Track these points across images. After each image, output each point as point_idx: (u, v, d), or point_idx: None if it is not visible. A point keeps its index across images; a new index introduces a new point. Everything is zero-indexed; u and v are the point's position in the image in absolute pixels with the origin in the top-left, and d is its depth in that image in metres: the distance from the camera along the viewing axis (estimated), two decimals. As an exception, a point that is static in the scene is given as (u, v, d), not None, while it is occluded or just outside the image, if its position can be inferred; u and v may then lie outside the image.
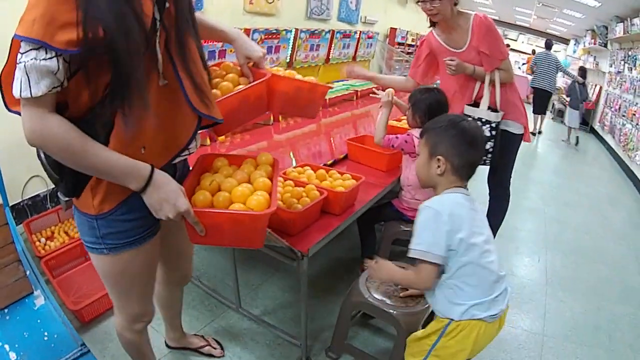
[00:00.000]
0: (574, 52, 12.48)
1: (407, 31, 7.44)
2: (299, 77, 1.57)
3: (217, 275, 2.63)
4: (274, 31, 3.96)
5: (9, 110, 1.01)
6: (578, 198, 4.97)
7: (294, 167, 2.19)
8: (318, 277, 2.69)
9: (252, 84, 1.40)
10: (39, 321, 1.74)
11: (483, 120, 2.43)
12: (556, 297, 2.80)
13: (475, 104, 2.48)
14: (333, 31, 4.91)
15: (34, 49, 0.86)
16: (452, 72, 2.40)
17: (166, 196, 1.09)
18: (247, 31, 3.63)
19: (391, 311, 1.76)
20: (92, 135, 0.99)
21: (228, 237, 1.22)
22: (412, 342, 1.59)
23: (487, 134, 2.43)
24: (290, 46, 4.33)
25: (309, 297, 1.88)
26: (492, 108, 2.44)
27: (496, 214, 2.87)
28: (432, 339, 1.47)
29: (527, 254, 3.37)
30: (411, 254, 1.38)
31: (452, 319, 1.41)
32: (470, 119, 1.55)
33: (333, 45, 5.01)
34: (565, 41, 13.62)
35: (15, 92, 0.89)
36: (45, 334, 1.69)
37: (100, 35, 0.88)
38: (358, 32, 5.46)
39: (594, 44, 9.22)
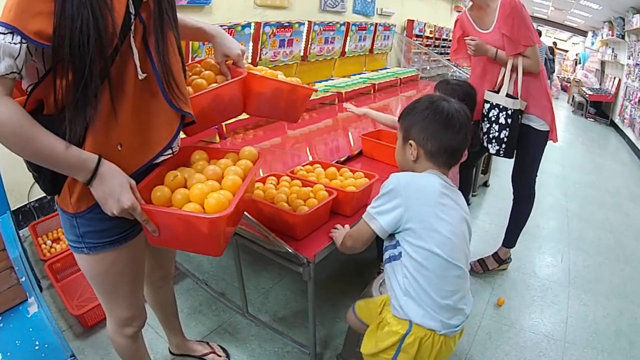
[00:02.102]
0: (592, 44, 12.18)
1: (425, 23, 7.30)
2: (282, 77, 1.49)
3: (226, 278, 2.55)
4: (286, 24, 3.88)
5: None
6: (599, 194, 4.81)
7: (303, 165, 2.10)
8: (329, 280, 2.59)
9: (225, 82, 1.34)
10: (31, 329, 1.70)
11: (500, 107, 2.34)
12: (579, 299, 2.68)
13: (498, 90, 2.38)
14: (348, 23, 4.81)
15: (3, 33, 0.88)
16: (471, 52, 2.36)
17: (111, 190, 1.02)
18: (257, 25, 3.56)
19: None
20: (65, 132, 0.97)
21: (181, 240, 1.13)
22: (367, 357, 1.44)
23: (502, 121, 2.35)
24: (304, 39, 4.25)
25: (319, 302, 1.79)
26: (513, 96, 2.34)
27: (519, 217, 2.74)
28: (390, 354, 1.32)
29: (550, 253, 3.24)
30: (363, 215, 1.36)
31: (410, 321, 1.27)
32: (451, 100, 1.42)
33: (348, 38, 4.91)
34: (583, 33, 13.35)
35: None
36: (37, 343, 1.65)
37: (65, 32, 0.90)
38: (374, 25, 5.36)
39: (612, 35, 8.97)
